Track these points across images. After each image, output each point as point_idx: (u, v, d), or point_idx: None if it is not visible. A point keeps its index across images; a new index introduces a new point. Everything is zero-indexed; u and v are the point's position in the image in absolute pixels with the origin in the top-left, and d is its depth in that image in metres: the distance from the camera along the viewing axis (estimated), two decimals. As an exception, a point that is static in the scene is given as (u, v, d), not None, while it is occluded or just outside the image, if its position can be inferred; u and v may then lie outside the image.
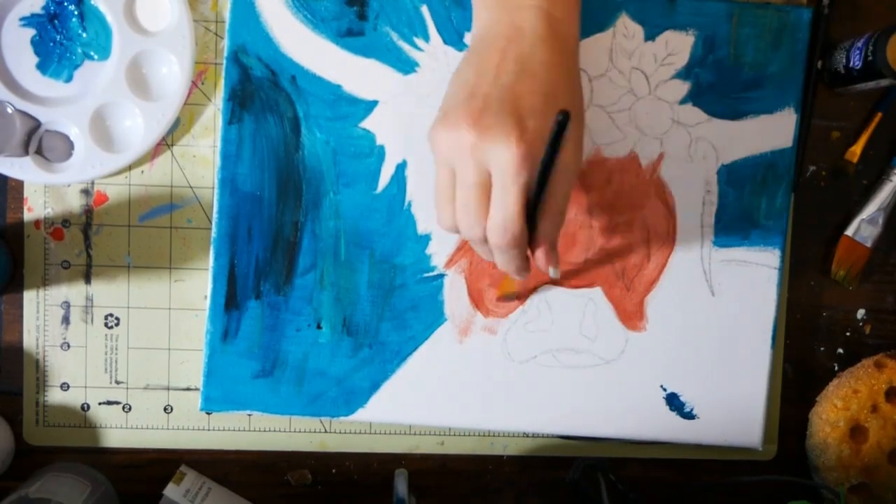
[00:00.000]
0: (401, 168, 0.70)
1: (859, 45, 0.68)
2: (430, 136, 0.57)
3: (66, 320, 0.71)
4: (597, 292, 0.71)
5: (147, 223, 0.71)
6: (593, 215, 0.71)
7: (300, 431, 0.73)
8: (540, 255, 0.60)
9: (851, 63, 0.69)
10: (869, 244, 0.73)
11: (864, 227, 0.73)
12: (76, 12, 0.69)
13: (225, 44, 0.68)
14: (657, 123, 0.70)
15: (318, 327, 0.70)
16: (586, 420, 0.71)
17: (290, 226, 0.69)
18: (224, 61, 0.68)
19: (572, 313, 0.71)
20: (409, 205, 0.70)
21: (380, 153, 0.70)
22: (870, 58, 0.67)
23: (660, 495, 0.75)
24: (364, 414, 0.70)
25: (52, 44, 0.69)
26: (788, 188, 0.71)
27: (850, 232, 0.73)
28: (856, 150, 0.74)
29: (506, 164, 0.54)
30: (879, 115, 0.74)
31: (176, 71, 0.69)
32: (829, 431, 0.73)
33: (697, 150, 0.71)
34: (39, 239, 0.71)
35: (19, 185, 0.70)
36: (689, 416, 0.72)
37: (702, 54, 0.70)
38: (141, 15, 0.69)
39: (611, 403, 0.71)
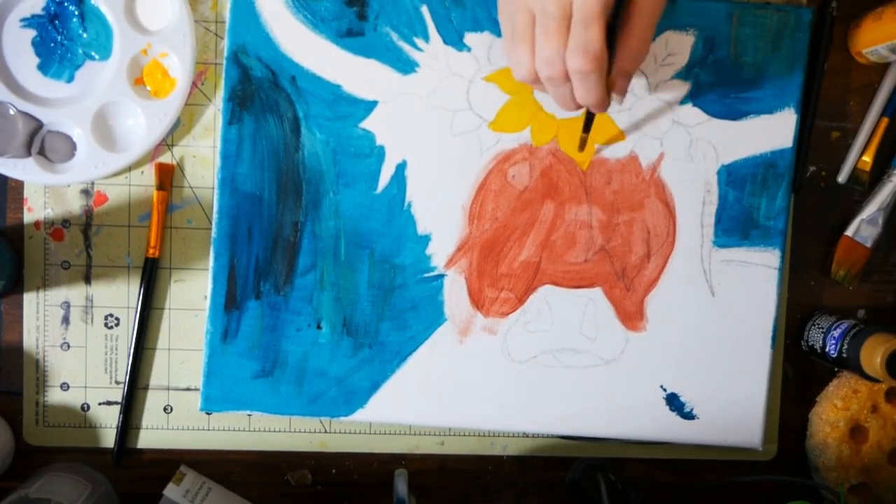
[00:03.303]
0: (401, 168, 0.70)
1: (835, 335, 0.70)
2: None
3: (66, 320, 0.71)
4: (597, 292, 0.71)
5: (147, 223, 0.71)
6: (593, 215, 0.71)
7: (300, 431, 0.73)
8: (617, 83, 0.61)
9: (827, 348, 0.71)
10: (869, 244, 0.73)
11: (864, 227, 0.73)
12: (76, 12, 0.69)
13: (225, 44, 0.69)
14: (657, 123, 0.70)
15: (318, 327, 0.70)
16: (586, 420, 0.71)
17: (290, 226, 0.69)
18: (224, 61, 0.68)
19: (572, 313, 0.71)
20: (409, 205, 0.70)
21: (380, 153, 0.70)
22: (844, 354, 0.69)
23: (660, 495, 0.75)
24: (364, 414, 0.70)
25: (52, 44, 0.69)
26: (788, 188, 0.71)
27: (850, 232, 0.73)
28: (867, 159, 0.74)
29: None
30: (886, 120, 0.73)
31: (177, 71, 0.69)
32: (829, 431, 0.73)
33: (697, 150, 0.71)
34: (39, 239, 0.71)
35: (19, 185, 0.70)
36: (690, 416, 0.72)
37: (702, 54, 0.70)
38: (141, 14, 0.69)
39: (611, 403, 0.71)
